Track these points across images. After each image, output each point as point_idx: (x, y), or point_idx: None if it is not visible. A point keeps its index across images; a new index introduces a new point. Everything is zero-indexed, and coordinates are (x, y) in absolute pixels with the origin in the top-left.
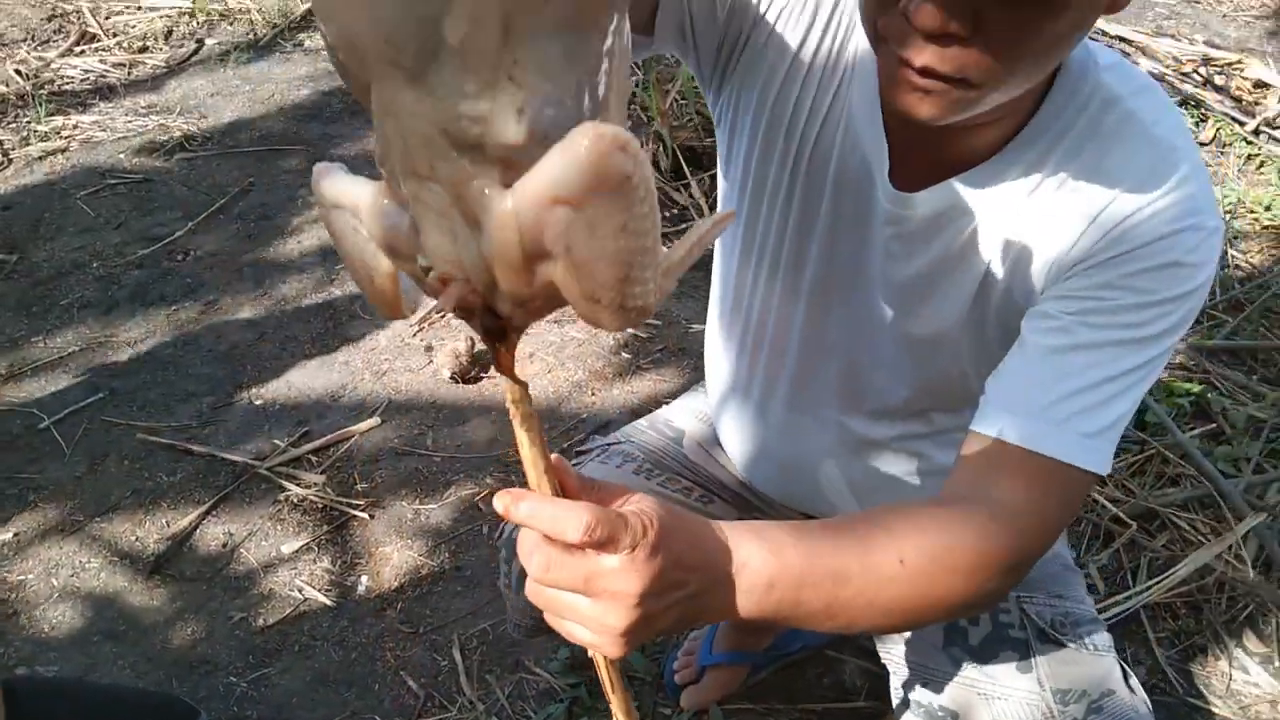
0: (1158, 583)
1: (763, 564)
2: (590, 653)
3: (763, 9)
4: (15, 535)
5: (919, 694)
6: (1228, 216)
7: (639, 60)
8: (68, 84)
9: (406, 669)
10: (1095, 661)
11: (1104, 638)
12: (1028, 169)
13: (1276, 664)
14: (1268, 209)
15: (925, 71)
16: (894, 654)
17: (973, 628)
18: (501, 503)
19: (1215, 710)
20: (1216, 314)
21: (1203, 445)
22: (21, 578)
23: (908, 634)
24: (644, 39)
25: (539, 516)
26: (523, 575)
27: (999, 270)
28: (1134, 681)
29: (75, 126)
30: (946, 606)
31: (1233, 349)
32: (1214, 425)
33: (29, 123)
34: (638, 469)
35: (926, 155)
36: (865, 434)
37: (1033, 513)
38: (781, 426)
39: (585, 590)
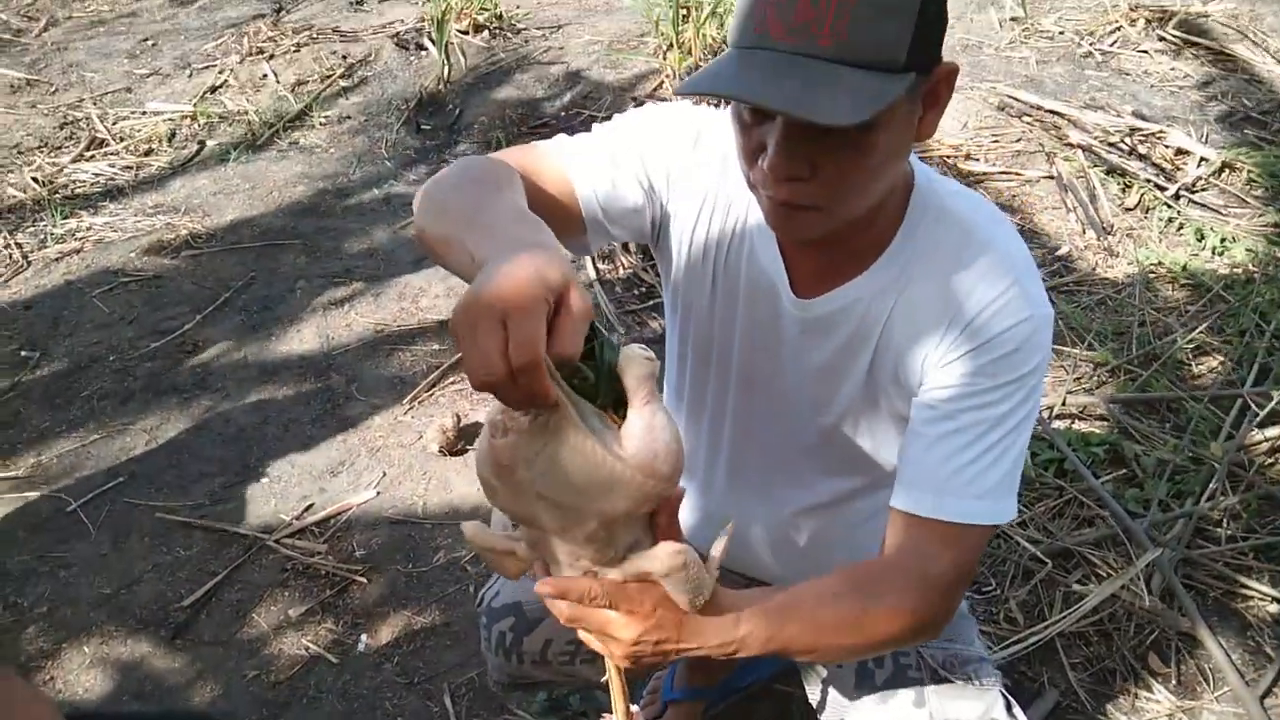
0: (1070, 613)
1: (764, 634)
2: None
3: (666, 201)
4: (48, 609)
5: None
6: (1149, 276)
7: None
8: (80, 188)
9: (403, 716)
10: (980, 695)
11: (990, 674)
12: (897, 276)
13: (1174, 683)
14: (1184, 268)
15: (786, 204)
16: (816, 693)
17: (878, 670)
18: (544, 590)
19: None
20: (1132, 368)
21: (1115, 489)
22: (55, 647)
23: (826, 674)
24: (579, 242)
25: (570, 591)
26: (500, 639)
27: (885, 352)
28: (1016, 710)
29: (89, 228)
30: (897, 638)
31: (1146, 400)
32: (1126, 471)
33: (45, 226)
34: None
35: (817, 266)
36: (791, 497)
37: (951, 564)
38: (724, 492)
39: (598, 629)
